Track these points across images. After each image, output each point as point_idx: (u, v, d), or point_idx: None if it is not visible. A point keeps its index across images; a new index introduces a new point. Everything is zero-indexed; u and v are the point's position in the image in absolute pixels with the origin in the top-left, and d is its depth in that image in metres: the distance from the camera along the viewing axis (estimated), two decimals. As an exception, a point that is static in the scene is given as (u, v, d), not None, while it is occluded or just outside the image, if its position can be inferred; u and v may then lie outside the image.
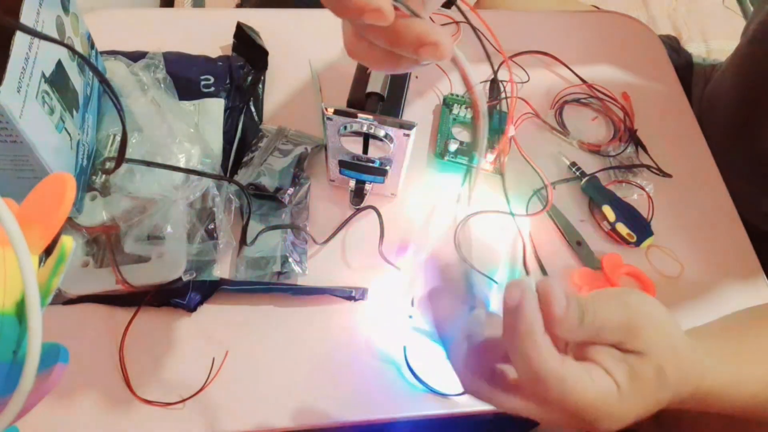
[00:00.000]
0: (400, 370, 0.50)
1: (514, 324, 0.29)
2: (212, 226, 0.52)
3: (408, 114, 0.55)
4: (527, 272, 0.32)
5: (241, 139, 0.60)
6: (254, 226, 0.54)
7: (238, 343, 0.50)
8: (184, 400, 0.47)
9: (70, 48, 0.41)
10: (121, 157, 0.44)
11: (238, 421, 0.47)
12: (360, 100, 0.49)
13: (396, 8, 0.26)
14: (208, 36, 0.67)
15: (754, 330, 0.43)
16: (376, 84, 0.48)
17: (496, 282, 0.54)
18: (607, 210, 0.58)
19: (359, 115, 0.46)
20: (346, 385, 0.49)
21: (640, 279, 0.56)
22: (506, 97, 0.65)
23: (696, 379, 0.34)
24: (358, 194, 0.56)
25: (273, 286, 0.52)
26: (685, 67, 0.81)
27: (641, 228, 0.57)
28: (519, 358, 0.30)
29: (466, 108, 0.65)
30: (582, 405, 0.30)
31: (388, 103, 0.49)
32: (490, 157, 0.61)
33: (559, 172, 0.63)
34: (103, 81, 0.42)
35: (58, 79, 0.45)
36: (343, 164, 0.54)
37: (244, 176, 0.56)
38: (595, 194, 0.60)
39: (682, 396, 0.34)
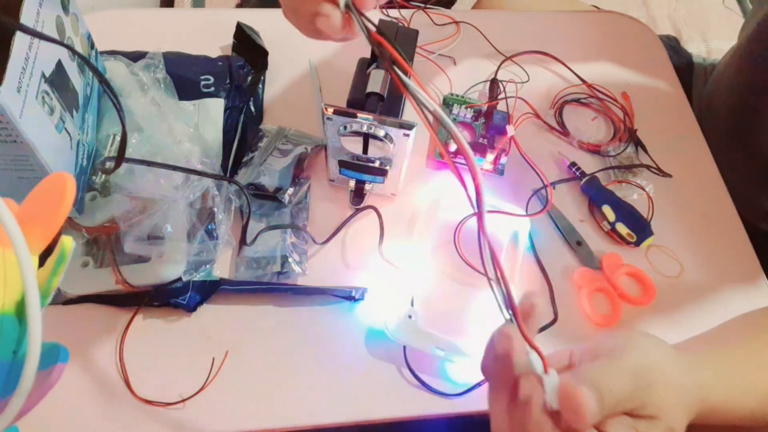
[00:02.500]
0: (400, 370, 0.50)
1: (522, 419, 0.30)
2: (212, 226, 0.52)
3: (408, 114, 0.55)
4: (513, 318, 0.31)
5: (241, 139, 0.60)
6: (254, 226, 0.54)
7: (238, 343, 0.50)
8: (184, 400, 0.47)
9: (70, 48, 0.41)
10: (121, 157, 0.44)
11: (238, 421, 0.47)
12: (360, 100, 0.49)
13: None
14: (208, 36, 0.67)
15: (746, 342, 0.43)
16: (376, 84, 0.48)
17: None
18: (607, 210, 0.58)
19: (359, 115, 0.46)
20: (346, 385, 0.49)
21: (640, 279, 0.56)
22: (506, 97, 0.65)
23: (698, 404, 0.35)
24: (358, 194, 0.56)
25: (273, 286, 0.52)
26: (685, 67, 0.81)
27: (641, 228, 0.57)
28: None
29: (466, 108, 0.65)
30: None
31: (388, 103, 0.49)
32: (490, 156, 0.61)
33: (559, 172, 0.63)
34: (103, 81, 0.42)
35: (58, 79, 0.45)
36: (343, 164, 0.54)
37: (244, 176, 0.56)
38: (595, 194, 0.60)
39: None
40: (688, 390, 0.34)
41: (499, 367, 0.32)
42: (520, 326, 0.30)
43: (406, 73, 0.33)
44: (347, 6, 0.34)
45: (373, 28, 0.35)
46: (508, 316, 0.31)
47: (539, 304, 0.32)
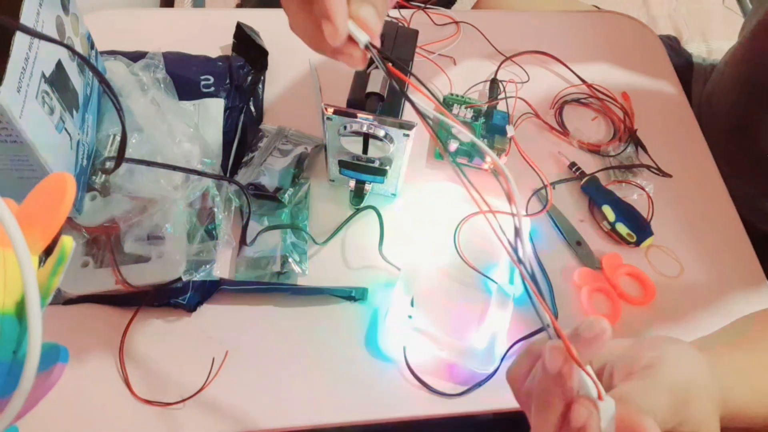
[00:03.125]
0: (400, 370, 0.50)
1: None
2: (212, 226, 0.52)
3: (408, 114, 0.55)
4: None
5: (241, 139, 0.60)
6: (254, 226, 0.54)
7: (238, 343, 0.50)
8: (184, 400, 0.47)
9: (70, 48, 0.41)
10: (120, 157, 0.44)
11: (238, 421, 0.47)
12: (360, 100, 0.49)
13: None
14: (208, 36, 0.67)
15: (761, 343, 0.43)
16: (376, 84, 0.48)
17: (495, 282, 0.54)
18: (607, 210, 0.58)
19: (359, 115, 0.46)
20: (346, 385, 0.49)
21: (640, 279, 0.56)
22: (506, 97, 0.65)
23: (722, 406, 0.35)
24: (358, 194, 0.56)
25: (273, 286, 0.52)
26: (685, 67, 0.81)
27: (641, 228, 0.57)
28: None
29: (466, 108, 0.65)
30: None
31: (388, 103, 0.49)
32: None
33: (559, 172, 0.63)
34: (103, 81, 0.42)
35: (58, 79, 0.45)
36: (343, 164, 0.54)
37: (244, 176, 0.56)
38: (595, 194, 0.60)
39: None
40: (718, 401, 0.34)
41: (550, 388, 0.30)
42: (568, 346, 0.29)
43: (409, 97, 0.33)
44: (366, 46, 0.36)
45: (377, 57, 0.37)
46: (553, 335, 0.30)
47: (609, 329, 0.29)
